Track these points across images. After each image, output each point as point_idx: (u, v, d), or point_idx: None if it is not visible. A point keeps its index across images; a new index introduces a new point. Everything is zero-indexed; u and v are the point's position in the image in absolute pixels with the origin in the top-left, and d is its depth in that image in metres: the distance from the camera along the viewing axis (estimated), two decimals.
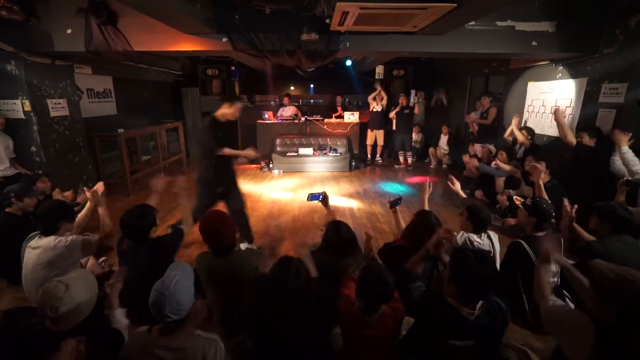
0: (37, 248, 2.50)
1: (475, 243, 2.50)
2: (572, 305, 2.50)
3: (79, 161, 5.34)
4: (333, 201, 5.60)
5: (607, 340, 1.44)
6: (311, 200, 2.90)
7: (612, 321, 1.46)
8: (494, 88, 7.56)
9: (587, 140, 3.97)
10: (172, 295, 1.50)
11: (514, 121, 5.39)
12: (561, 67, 5.14)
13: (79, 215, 2.90)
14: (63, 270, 2.34)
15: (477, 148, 6.52)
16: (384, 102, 8.13)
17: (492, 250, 2.52)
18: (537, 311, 2.46)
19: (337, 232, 2.29)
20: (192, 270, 1.69)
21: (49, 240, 2.51)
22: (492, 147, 5.68)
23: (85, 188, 2.96)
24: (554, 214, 2.61)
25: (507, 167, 4.91)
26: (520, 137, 5.23)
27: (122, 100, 7.04)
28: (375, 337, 1.79)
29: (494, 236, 2.58)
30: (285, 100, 8.86)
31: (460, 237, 2.55)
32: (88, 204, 2.93)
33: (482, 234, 2.54)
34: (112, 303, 1.94)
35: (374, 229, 4.57)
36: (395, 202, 2.98)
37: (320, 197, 2.91)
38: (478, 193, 5.47)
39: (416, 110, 7.87)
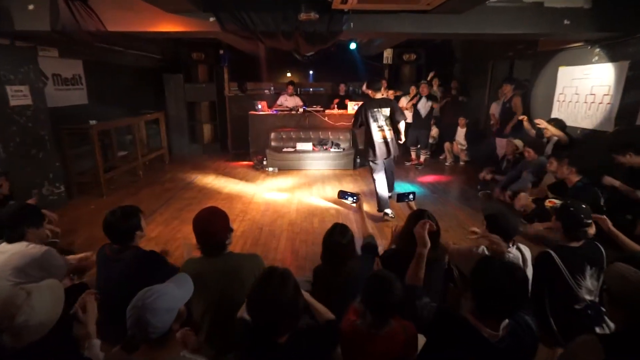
0: (4, 253, 2.49)
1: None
2: (612, 325, 2.46)
3: (44, 157, 5.29)
4: (336, 203, 5.63)
5: (616, 350, 1.45)
6: (342, 198, 2.95)
7: (620, 328, 1.50)
8: (519, 74, 7.50)
9: (631, 159, 3.73)
10: (142, 310, 1.49)
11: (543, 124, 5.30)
12: (598, 49, 5.10)
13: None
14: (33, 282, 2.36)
15: (501, 143, 6.49)
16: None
17: (521, 266, 2.42)
18: (566, 330, 2.43)
19: (330, 235, 2.31)
20: (191, 291, 1.70)
21: (20, 245, 2.51)
22: (518, 142, 5.64)
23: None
24: (587, 221, 2.54)
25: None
26: (554, 131, 5.16)
27: (95, 87, 7.00)
28: (382, 352, 1.77)
29: (526, 250, 2.48)
30: (289, 89, 8.85)
31: (478, 250, 2.50)
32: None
33: (511, 247, 2.45)
34: (88, 330, 1.92)
35: (380, 233, 4.56)
36: (404, 196, 2.91)
37: (355, 198, 2.92)
38: (498, 192, 5.43)
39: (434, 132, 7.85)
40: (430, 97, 7.60)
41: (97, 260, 2.46)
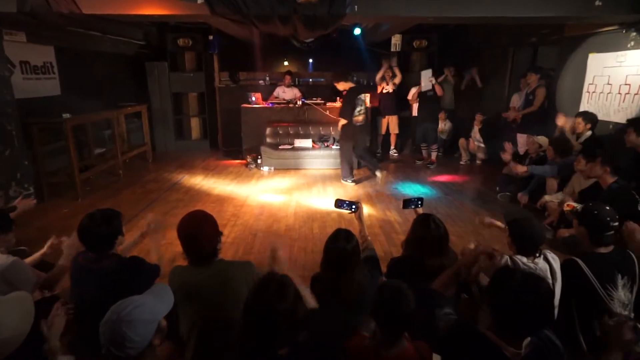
0: None
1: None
2: None
3: (11, 155, 5.26)
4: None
5: None
6: (339, 207, 2.94)
7: None
8: (543, 62, 7.49)
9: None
10: (117, 323, 1.48)
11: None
12: (634, 34, 5.05)
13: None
14: None
15: (521, 139, 6.47)
16: (397, 80, 8.14)
17: (548, 279, 2.40)
18: (597, 350, 2.42)
19: (334, 241, 2.29)
20: (171, 302, 1.70)
21: None
22: (542, 139, 5.59)
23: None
24: (613, 224, 2.53)
25: (522, 168, 5.22)
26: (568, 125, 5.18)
27: (68, 77, 6.99)
28: None
29: (555, 260, 2.46)
30: (287, 79, 8.86)
31: (502, 261, 2.49)
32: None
33: (537, 257, 2.44)
34: (52, 347, 1.89)
35: (388, 241, 4.54)
36: (410, 202, 2.96)
37: (354, 207, 2.92)
38: (522, 197, 5.41)
39: (439, 92, 7.70)
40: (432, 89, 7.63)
41: (71, 271, 2.45)
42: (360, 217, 2.95)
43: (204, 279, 2.16)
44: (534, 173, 5.22)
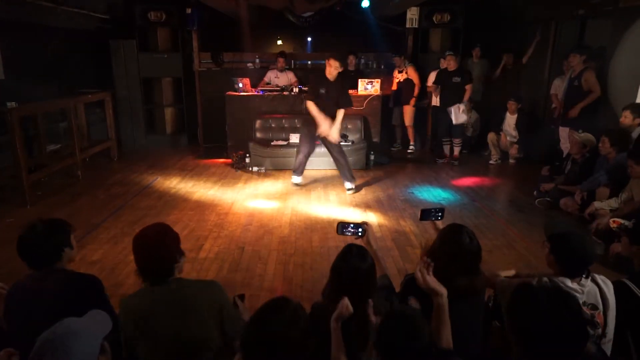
0: None
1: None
2: None
3: None
4: (342, 214, 5.62)
5: None
6: (342, 232, 2.91)
7: None
8: (593, 40, 7.47)
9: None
10: (59, 339, 1.47)
11: None
12: None
13: None
14: None
15: (564, 133, 6.46)
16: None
17: (598, 306, 2.39)
18: None
19: (344, 259, 2.25)
20: (111, 323, 1.70)
21: None
22: (586, 137, 5.54)
23: None
24: None
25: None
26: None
27: (14, 57, 6.93)
28: None
29: (606, 283, 2.44)
30: (280, 62, 8.88)
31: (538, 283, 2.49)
32: None
33: (583, 279, 2.40)
34: None
35: (403, 257, 4.54)
36: (429, 213, 2.97)
37: (360, 230, 2.88)
38: (566, 202, 5.41)
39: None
40: (462, 72, 7.61)
41: (8, 300, 2.38)
42: (369, 242, 2.91)
43: (162, 303, 2.20)
44: (586, 190, 5.18)
